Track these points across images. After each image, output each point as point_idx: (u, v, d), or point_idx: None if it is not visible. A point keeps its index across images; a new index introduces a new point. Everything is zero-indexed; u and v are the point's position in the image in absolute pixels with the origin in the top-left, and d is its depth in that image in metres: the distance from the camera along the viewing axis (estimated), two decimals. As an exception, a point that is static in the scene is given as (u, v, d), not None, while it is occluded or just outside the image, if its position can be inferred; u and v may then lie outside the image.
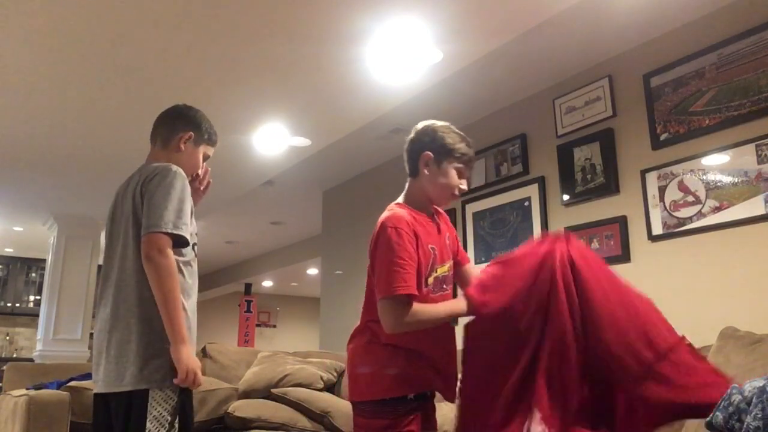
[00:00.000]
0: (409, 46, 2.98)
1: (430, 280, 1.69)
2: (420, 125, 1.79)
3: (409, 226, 1.63)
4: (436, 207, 1.83)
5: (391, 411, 1.59)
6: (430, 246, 1.68)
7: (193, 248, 1.86)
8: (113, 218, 1.88)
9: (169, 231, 1.70)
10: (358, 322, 1.76)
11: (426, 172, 1.74)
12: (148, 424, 1.64)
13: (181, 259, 1.76)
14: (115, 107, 3.76)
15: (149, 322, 1.70)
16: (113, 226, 1.87)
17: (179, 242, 1.75)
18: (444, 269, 1.73)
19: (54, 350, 6.02)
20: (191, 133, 1.96)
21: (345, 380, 1.91)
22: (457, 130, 1.78)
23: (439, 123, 1.78)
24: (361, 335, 1.72)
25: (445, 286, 1.74)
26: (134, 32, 2.91)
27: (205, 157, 2.05)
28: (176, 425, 1.69)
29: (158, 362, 1.68)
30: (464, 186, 1.77)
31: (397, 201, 1.78)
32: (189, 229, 1.79)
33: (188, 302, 1.78)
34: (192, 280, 1.84)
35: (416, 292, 1.58)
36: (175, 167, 1.82)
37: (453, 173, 1.74)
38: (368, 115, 3.88)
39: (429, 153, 1.73)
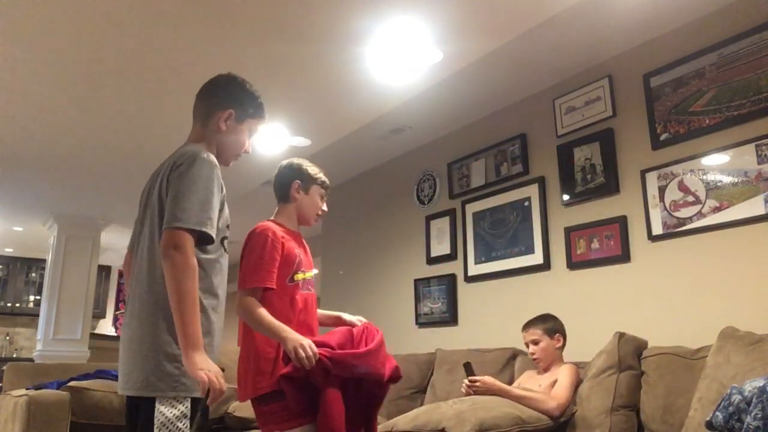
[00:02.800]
0: (409, 46, 2.98)
1: (297, 277, 2.08)
2: (282, 163, 2.25)
3: (276, 234, 2.04)
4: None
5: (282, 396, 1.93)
6: (296, 250, 2.10)
7: (222, 243, 1.72)
8: (144, 206, 1.75)
9: (191, 227, 1.56)
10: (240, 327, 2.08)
11: (297, 197, 2.20)
12: (155, 430, 1.54)
13: (204, 256, 1.63)
14: (116, 107, 3.76)
15: (165, 322, 1.58)
16: (144, 215, 1.73)
17: (203, 238, 1.60)
18: (310, 275, 2.16)
19: (54, 350, 6.02)
20: (231, 110, 1.78)
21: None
22: (314, 165, 2.27)
23: (299, 160, 2.26)
24: (249, 338, 2.01)
25: (310, 288, 2.16)
26: (134, 33, 2.91)
27: (252, 133, 1.88)
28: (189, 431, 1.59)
29: (170, 366, 1.57)
30: (325, 208, 2.28)
31: (269, 219, 2.17)
32: (215, 223, 1.63)
33: (214, 301, 1.67)
34: (218, 278, 1.70)
35: (273, 286, 1.99)
36: (204, 154, 1.65)
37: (317, 198, 2.25)
38: (368, 115, 3.88)
39: (298, 181, 2.20)
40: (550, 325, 2.75)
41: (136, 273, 1.67)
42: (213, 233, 1.63)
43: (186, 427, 1.57)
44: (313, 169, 2.25)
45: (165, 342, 1.58)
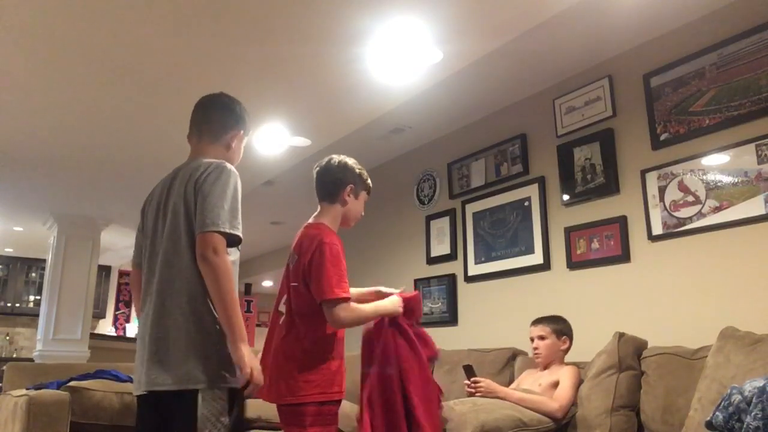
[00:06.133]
0: (409, 46, 2.98)
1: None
2: (335, 160, 2.14)
3: (342, 246, 2.01)
4: None
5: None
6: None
7: (237, 248, 1.83)
8: (156, 213, 1.83)
9: (226, 230, 1.67)
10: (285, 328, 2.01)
11: (347, 200, 2.12)
12: (199, 425, 1.59)
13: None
14: (116, 107, 3.76)
15: (199, 320, 1.66)
16: (157, 222, 1.81)
17: (231, 242, 1.72)
18: None
19: (54, 350, 6.02)
20: (242, 131, 1.96)
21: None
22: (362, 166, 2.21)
23: (351, 160, 2.16)
24: (303, 339, 1.96)
25: None
26: (134, 33, 2.91)
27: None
28: (227, 425, 1.64)
29: (208, 361, 1.64)
30: (363, 212, 2.22)
31: (319, 222, 2.09)
32: (241, 227, 1.76)
33: None
34: (236, 278, 1.81)
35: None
36: (229, 165, 1.79)
37: (362, 203, 2.20)
38: (368, 115, 3.88)
39: (352, 185, 2.12)
40: (560, 326, 2.75)
41: (160, 276, 1.72)
42: (241, 236, 1.75)
43: (225, 418, 1.64)
44: (365, 174, 2.18)
45: (206, 338, 1.66)
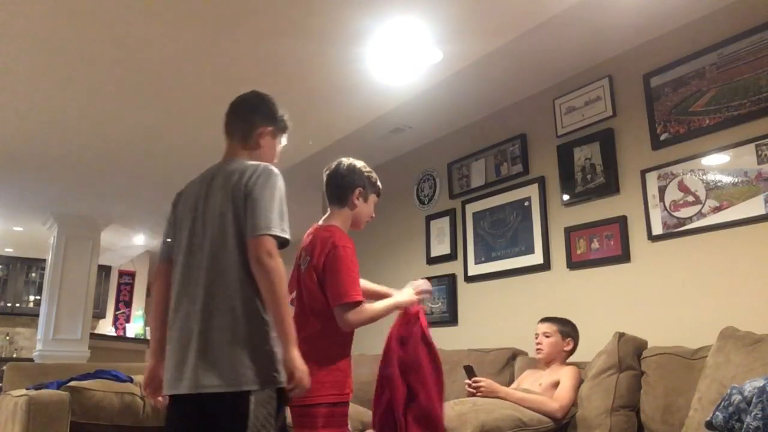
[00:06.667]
0: (409, 46, 2.98)
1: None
2: (344, 164, 2.14)
3: (353, 247, 2.04)
4: None
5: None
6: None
7: None
8: (195, 212, 1.82)
9: (277, 234, 1.70)
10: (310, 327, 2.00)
11: (356, 203, 2.12)
12: (250, 425, 1.59)
13: None
14: (116, 107, 3.76)
15: (253, 320, 1.67)
16: (195, 221, 1.80)
17: (280, 244, 1.74)
18: None
19: (54, 350, 6.02)
20: (270, 127, 1.94)
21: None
22: (370, 168, 2.21)
23: (360, 163, 2.16)
24: (324, 339, 1.97)
25: None
26: (135, 32, 2.91)
27: (280, 145, 2.03)
28: (276, 426, 1.65)
29: (260, 362, 1.65)
30: (374, 214, 2.22)
31: (330, 224, 2.09)
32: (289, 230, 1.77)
33: None
34: None
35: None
36: (275, 169, 1.81)
37: (372, 205, 2.19)
38: (368, 115, 3.88)
39: (361, 188, 2.12)
40: (567, 328, 2.76)
41: (205, 276, 1.71)
42: (290, 238, 1.76)
43: (275, 419, 1.65)
44: (373, 176, 2.18)
45: (258, 339, 1.67)
